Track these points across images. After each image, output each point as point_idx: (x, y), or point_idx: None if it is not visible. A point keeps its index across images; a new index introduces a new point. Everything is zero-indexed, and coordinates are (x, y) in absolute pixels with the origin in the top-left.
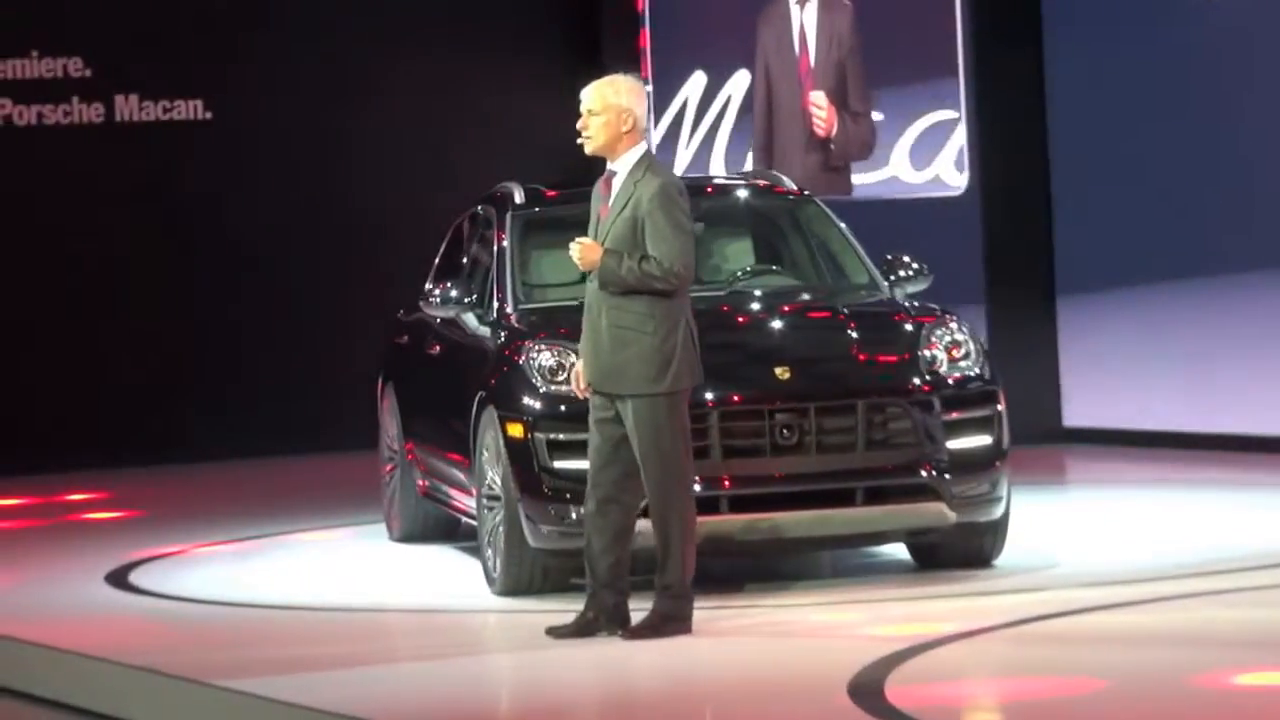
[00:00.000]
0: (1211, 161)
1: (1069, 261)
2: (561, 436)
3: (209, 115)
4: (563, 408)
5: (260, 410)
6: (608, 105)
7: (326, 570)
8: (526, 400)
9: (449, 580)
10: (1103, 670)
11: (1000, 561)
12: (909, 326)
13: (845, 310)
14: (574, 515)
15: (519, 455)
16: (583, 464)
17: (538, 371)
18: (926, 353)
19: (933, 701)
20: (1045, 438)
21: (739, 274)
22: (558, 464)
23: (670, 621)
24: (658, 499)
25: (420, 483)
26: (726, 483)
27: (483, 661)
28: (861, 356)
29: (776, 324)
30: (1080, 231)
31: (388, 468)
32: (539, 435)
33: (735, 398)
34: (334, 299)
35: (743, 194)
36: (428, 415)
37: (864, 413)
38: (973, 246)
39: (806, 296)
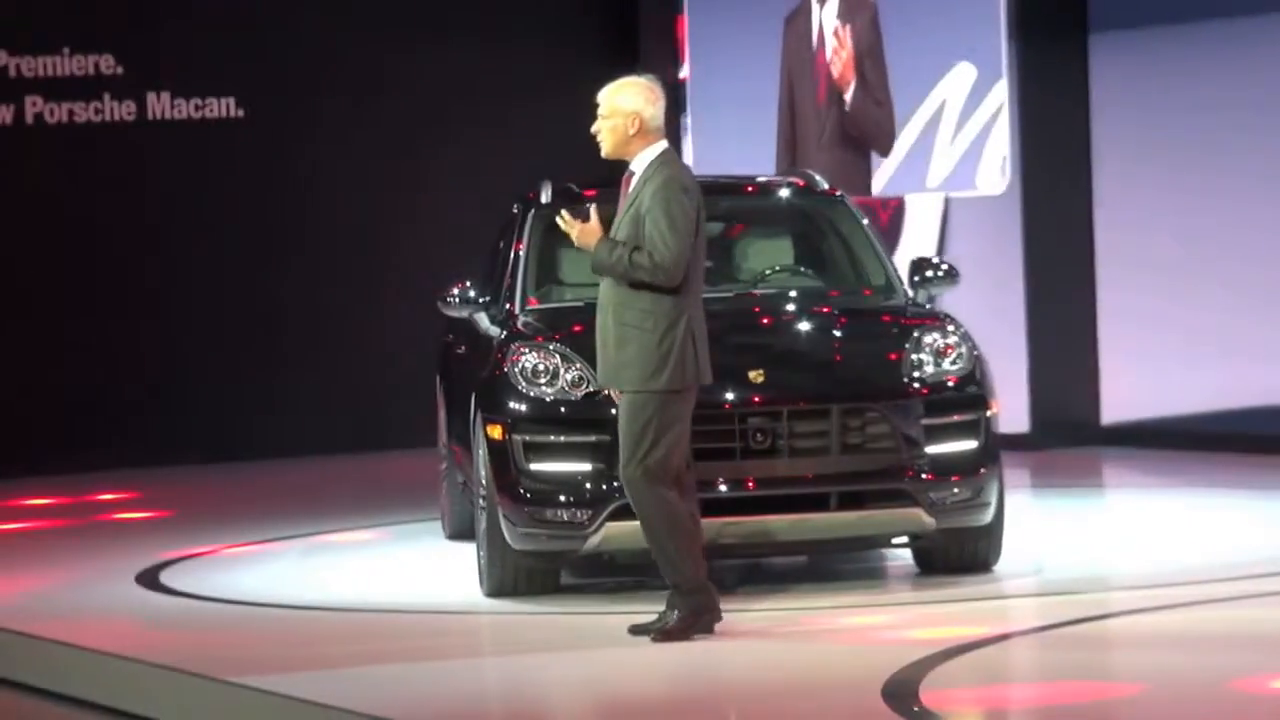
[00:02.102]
0: (1261, 152)
1: (1110, 256)
2: (538, 439)
3: (241, 113)
4: (563, 409)
5: (293, 409)
6: (614, 110)
7: (356, 571)
8: (506, 402)
9: (474, 581)
10: (1140, 674)
11: (1033, 564)
12: (899, 329)
13: (839, 312)
14: (548, 517)
15: (498, 457)
16: (559, 467)
17: (519, 373)
18: (913, 356)
19: (969, 705)
20: (1082, 438)
21: (767, 273)
22: (534, 466)
23: (698, 616)
24: (632, 497)
25: (460, 480)
26: (699, 486)
27: (507, 662)
28: (842, 360)
29: (764, 326)
30: (1122, 227)
31: (443, 465)
32: (516, 437)
33: (707, 400)
34: (370, 297)
35: (773, 193)
36: (458, 414)
37: (838, 417)
38: (1012, 244)
39: (811, 298)
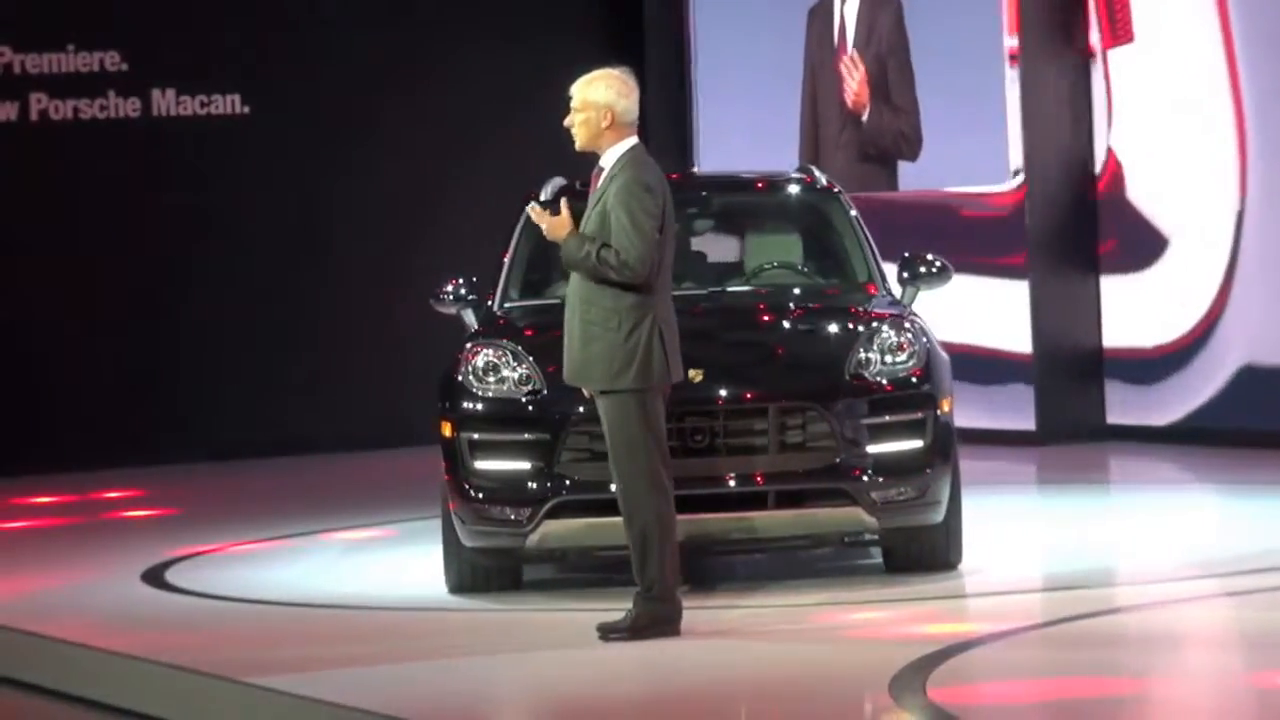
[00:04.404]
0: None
1: (1117, 245)
2: (481, 436)
3: (246, 110)
4: (506, 408)
5: (299, 407)
6: (586, 103)
7: (362, 568)
8: (455, 400)
9: None
10: (1145, 670)
11: (1036, 560)
12: (851, 327)
13: (800, 310)
14: (492, 514)
15: (449, 454)
16: (500, 465)
17: (472, 371)
18: (861, 355)
19: (976, 700)
20: (1087, 435)
21: (765, 268)
22: (479, 464)
23: (654, 624)
24: (627, 499)
25: None
26: None
27: (522, 660)
28: (785, 359)
29: (718, 325)
30: (1125, 209)
31: None
32: (463, 435)
33: None
34: (377, 293)
35: (767, 189)
36: None
37: (775, 416)
38: (1017, 230)
39: (781, 295)
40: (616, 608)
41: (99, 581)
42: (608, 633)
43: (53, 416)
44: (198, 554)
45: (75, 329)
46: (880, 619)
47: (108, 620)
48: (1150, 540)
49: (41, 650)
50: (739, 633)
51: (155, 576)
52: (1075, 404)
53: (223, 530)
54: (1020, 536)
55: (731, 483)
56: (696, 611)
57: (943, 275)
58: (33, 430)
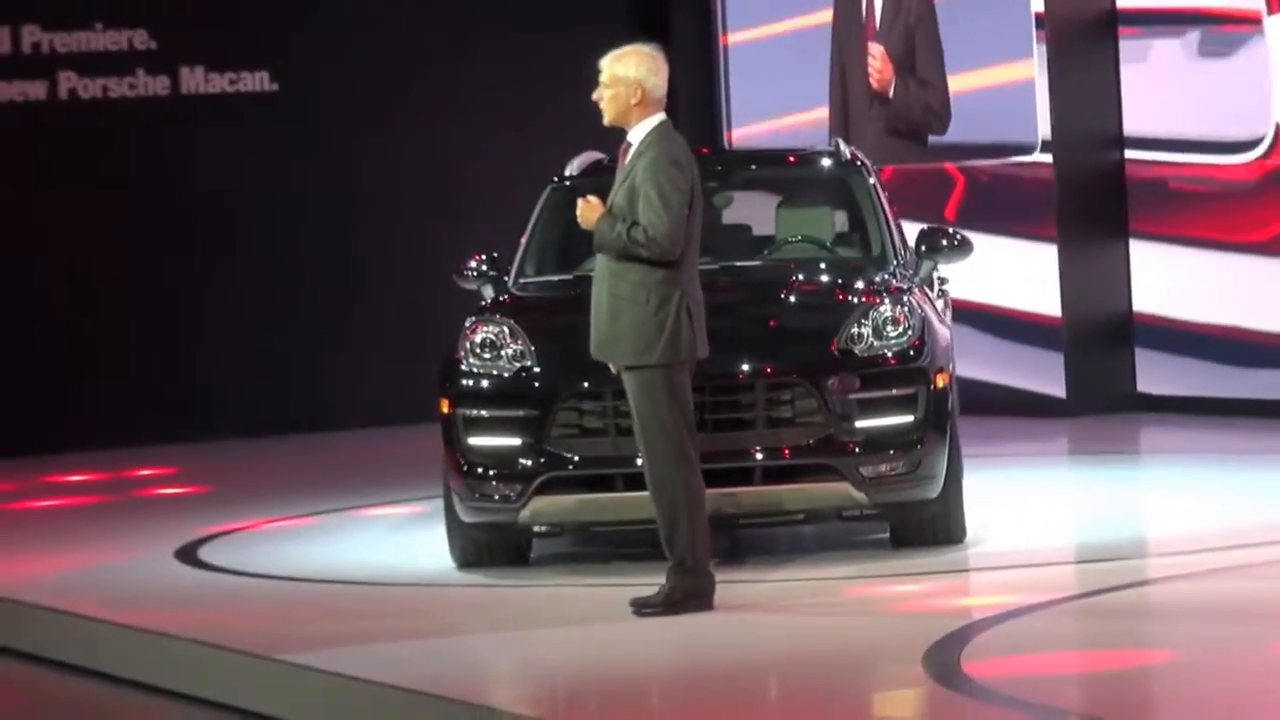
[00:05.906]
0: None
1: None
2: (476, 413)
3: (275, 86)
4: (497, 385)
5: (331, 382)
6: (616, 78)
7: (396, 545)
8: (454, 377)
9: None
10: (1179, 641)
11: (1067, 532)
12: (849, 301)
13: (800, 284)
14: (485, 490)
15: (446, 431)
16: (492, 441)
17: (469, 349)
18: (854, 330)
19: (1011, 673)
20: (1119, 405)
21: (787, 241)
22: (473, 440)
23: (688, 599)
24: (655, 472)
25: None
26: (623, 461)
27: (555, 634)
28: (777, 333)
29: (719, 301)
30: (1153, 182)
31: None
32: (459, 411)
33: None
34: (404, 269)
35: (794, 163)
36: None
37: (763, 391)
38: (1046, 195)
39: (787, 270)
40: (637, 582)
41: (133, 559)
42: (642, 608)
43: (84, 395)
44: (231, 531)
45: (105, 307)
46: (912, 592)
47: (142, 598)
48: (1182, 511)
49: (75, 628)
50: (771, 607)
51: (189, 554)
52: (1105, 372)
53: (256, 507)
54: (1054, 507)
55: (719, 458)
56: (726, 585)
57: (962, 249)
58: (65, 408)
